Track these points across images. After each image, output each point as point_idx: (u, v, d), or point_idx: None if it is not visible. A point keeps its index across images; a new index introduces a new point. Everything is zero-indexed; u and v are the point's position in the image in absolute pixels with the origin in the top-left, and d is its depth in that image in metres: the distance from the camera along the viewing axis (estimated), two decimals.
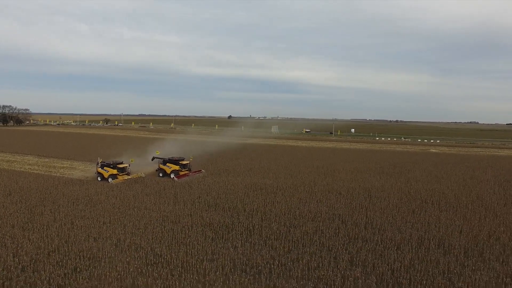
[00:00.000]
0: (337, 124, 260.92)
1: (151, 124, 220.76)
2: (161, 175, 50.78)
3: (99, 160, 50.20)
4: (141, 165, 55.07)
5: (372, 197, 39.54)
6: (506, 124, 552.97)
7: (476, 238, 26.59)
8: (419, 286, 19.26)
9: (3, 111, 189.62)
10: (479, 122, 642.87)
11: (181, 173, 50.63)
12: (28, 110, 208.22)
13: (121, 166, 49.13)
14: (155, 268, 21.17)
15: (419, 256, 23.11)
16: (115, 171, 47.69)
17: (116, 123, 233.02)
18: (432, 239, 26.29)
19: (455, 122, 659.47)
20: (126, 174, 49.27)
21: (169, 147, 75.18)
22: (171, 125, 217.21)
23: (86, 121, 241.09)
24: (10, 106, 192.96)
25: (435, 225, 29.71)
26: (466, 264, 22.09)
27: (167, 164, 51.54)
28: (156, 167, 52.92)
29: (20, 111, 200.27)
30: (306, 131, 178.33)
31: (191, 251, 23.64)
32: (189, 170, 52.71)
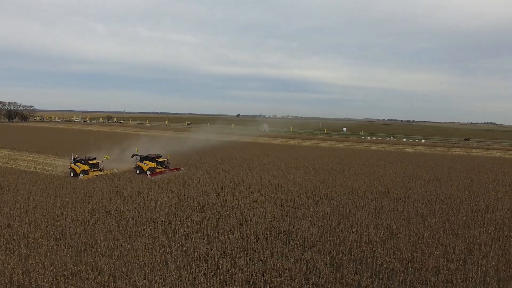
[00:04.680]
0: (337, 124, 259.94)
1: (147, 122, 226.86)
2: (138, 172, 51.20)
3: (72, 156, 51.29)
4: (127, 161, 56.62)
5: (278, 192, 41.16)
6: None
7: (327, 232, 27.89)
8: (218, 262, 21.23)
9: (8, 108, 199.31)
10: (496, 123, 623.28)
11: (158, 170, 50.69)
12: (33, 107, 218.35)
13: (93, 162, 49.97)
14: None
15: (252, 246, 24.80)
16: (86, 167, 48.61)
17: (114, 120, 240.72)
18: (284, 231, 27.81)
19: (471, 123, 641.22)
20: (98, 170, 50.08)
21: (150, 143, 78.58)
22: (166, 123, 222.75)
23: (88, 118, 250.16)
24: (15, 103, 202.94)
25: (306, 219, 31.21)
26: (282, 252, 23.80)
27: (144, 161, 51.86)
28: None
29: (25, 108, 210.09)
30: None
31: (49, 230, 26.47)
32: (167, 167, 52.94)
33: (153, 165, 51.15)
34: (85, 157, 52.07)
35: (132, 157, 55.36)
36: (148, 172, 50.00)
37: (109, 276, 19.66)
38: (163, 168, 52.32)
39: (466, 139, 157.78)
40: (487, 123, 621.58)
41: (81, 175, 47.33)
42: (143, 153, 56.00)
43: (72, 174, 48.66)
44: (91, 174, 48.32)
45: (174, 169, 53.43)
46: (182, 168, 54.20)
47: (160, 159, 52.61)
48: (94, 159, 51.58)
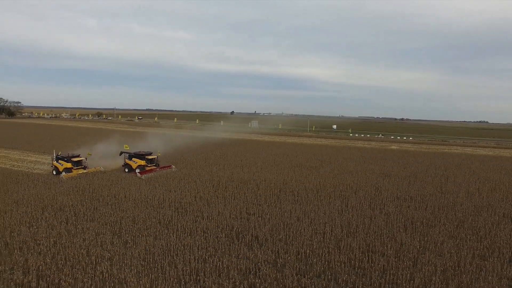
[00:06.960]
0: (329, 121, 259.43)
1: (136, 118, 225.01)
2: (126, 170, 48.68)
3: (55, 153, 48.88)
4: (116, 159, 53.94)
5: (245, 188, 40.22)
6: None
7: (282, 230, 27.02)
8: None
9: None
10: (489, 122, 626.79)
11: (147, 168, 48.52)
12: (20, 102, 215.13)
13: (76, 159, 47.60)
14: None
15: (198, 243, 23.87)
16: (69, 165, 46.22)
17: (104, 117, 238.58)
18: (237, 229, 26.89)
19: (464, 121, 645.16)
20: (82, 168, 47.87)
21: (133, 140, 77.15)
22: (155, 119, 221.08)
23: (77, 115, 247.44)
24: (1, 98, 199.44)
25: (265, 216, 30.33)
26: (227, 251, 22.90)
27: (133, 159, 49.37)
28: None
29: (12, 104, 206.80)
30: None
31: None
32: (157, 165, 50.74)
33: (143, 163, 48.54)
34: (68, 154, 49.73)
35: (120, 155, 52.60)
36: (138, 170, 47.23)
37: (33, 276, 18.61)
38: (153, 166, 49.95)
39: None
40: (480, 121, 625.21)
41: (62, 174, 44.58)
42: (133, 150, 53.39)
43: (54, 172, 46.18)
44: (74, 172, 45.75)
45: (164, 167, 51.01)
46: (174, 166, 51.60)
47: (150, 157, 50.02)
48: (78, 156, 49.22)
